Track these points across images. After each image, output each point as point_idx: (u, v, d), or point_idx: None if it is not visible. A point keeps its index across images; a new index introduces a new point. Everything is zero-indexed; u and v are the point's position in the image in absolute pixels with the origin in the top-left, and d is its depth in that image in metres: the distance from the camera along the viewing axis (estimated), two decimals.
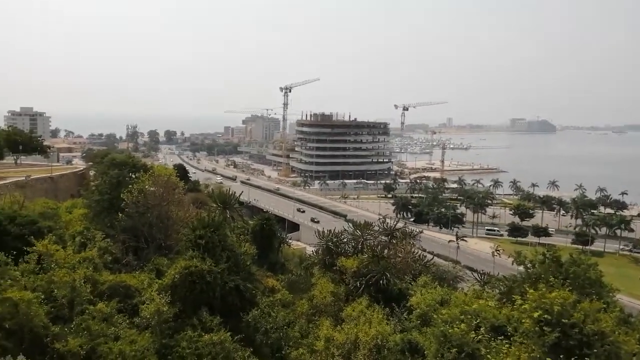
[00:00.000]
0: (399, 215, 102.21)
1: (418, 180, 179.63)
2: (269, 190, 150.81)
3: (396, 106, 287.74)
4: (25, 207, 30.02)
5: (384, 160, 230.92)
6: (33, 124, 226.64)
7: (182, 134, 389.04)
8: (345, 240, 41.98)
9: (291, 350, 26.21)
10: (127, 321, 21.66)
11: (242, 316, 24.32)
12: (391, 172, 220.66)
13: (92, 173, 57.03)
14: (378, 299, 29.82)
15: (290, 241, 55.80)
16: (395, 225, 46.24)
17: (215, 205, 50.40)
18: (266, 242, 41.59)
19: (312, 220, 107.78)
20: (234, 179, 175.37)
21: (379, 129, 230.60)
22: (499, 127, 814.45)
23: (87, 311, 20.85)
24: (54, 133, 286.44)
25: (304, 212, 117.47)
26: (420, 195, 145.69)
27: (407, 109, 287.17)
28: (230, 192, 57.14)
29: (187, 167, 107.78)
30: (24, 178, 42.50)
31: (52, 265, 23.10)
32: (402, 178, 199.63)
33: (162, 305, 21.09)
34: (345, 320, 27.84)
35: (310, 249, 55.82)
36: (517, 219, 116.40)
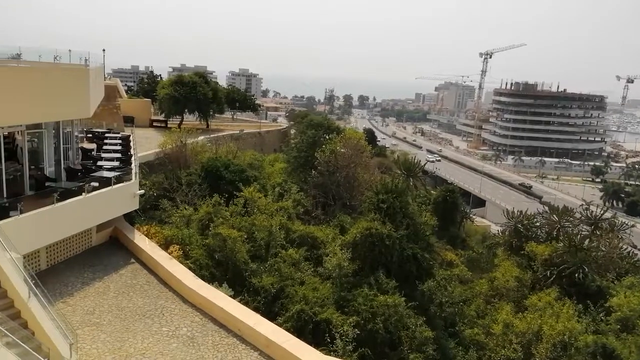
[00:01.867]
0: (607, 204, 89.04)
1: (637, 166, 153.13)
2: (456, 162, 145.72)
3: (619, 77, 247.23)
4: (237, 157, 34.20)
5: (596, 139, 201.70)
6: (248, 84, 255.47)
7: (374, 99, 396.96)
8: (538, 224, 38.50)
9: (465, 327, 25.48)
10: (312, 269, 23.49)
11: (417, 285, 24.29)
12: (603, 154, 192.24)
13: (292, 131, 62.25)
14: (570, 293, 26.86)
15: (474, 217, 53.43)
16: (601, 214, 40.61)
17: (399, 172, 50.74)
18: (448, 214, 40.51)
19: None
20: (420, 147, 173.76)
21: (593, 102, 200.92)
22: None
23: (279, 254, 23.19)
24: (264, 93, 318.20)
25: None
26: (637, 183, 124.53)
27: (632, 81, 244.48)
28: (415, 160, 56.79)
29: (376, 132, 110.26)
30: (238, 132, 48.40)
31: (255, 210, 26.13)
32: (617, 161, 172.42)
33: (343, 260, 22.24)
34: (529, 309, 25.80)
35: (495, 228, 52.66)
36: None
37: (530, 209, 45.58)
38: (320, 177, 34.85)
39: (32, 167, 20.68)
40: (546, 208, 42.70)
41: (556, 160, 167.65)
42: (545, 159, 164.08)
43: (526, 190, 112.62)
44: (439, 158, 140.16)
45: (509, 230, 38.99)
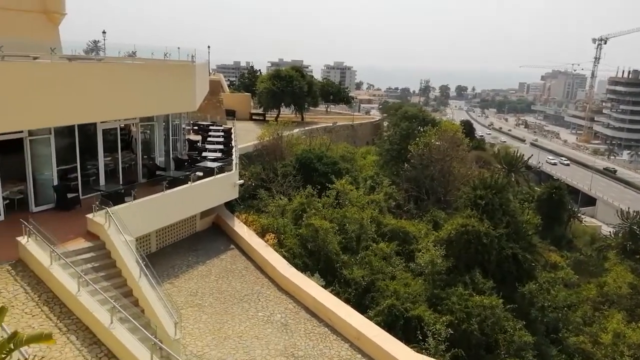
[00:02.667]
0: None
1: None
2: (564, 156, 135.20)
3: None
4: (330, 149, 34.56)
5: None
6: (342, 76, 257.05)
7: (473, 89, 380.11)
8: None
9: (569, 334, 23.65)
10: (403, 264, 23.11)
11: (517, 286, 22.94)
12: None
13: (385, 124, 61.63)
14: None
15: (582, 216, 49.32)
16: None
17: (499, 166, 48.23)
18: (553, 212, 37.83)
19: None
20: (522, 140, 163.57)
21: None
22: None
23: (370, 247, 23.08)
24: (358, 85, 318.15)
25: None
26: None
27: None
28: (518, 154, 53.57)
29: (474, 125, 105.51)
30: (331, 124, 48.93)
31: (346, 202, 26.23)
32: None
33: (437, 257, 21.61)
34: None
35: (607, 229, 48.19)
36: None
37: None
38: (413, 170, 34.16)
39: (145, 156, 22.51)
40: None
41: None
42: None
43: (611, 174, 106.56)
44: (568, 162, 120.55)
45: (623, 232, 35.57)
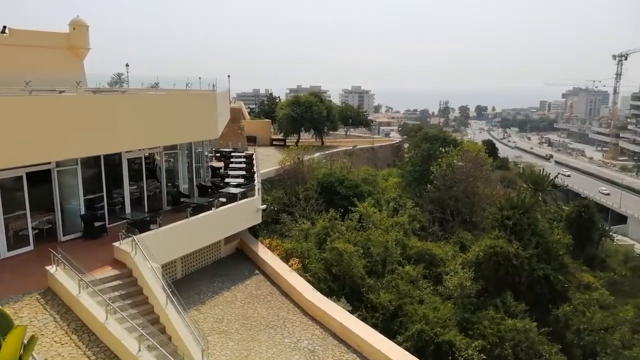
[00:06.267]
0: None
1: None
2: (590, 174, 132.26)
3: None
4: (351, 172, 34.42)
5: None
6: (360, 100, 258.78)
7: (493, 109, 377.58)
8: None
9: (608, 358, 22.56)
10: (431, 288, 22.56)
11: (550, 309, 22.14)
12: None
13: (406, 145, 61.36)
14: None
15: (614, 235, 47.75)
16: None
17: (525, 186, 47.27)
18: (583, 232, 36.67)
19: None
20: (548, 158, 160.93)
21: None
22: None
23: (396, 271, 22.64)
24: (377, 108, 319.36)
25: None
26: None
27: None
28: (544, 173, 52.54)
29: (497, 144, 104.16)
30: (351, 147, 48.92)
31: (370, 225, 25.92)
32: None
33: (466, 280, 21.08)
34: None
35: None
36: None
37: None
38: (436, 191, 33.67)
39: (169, 184, 22.75)
40: None
41: None
42: None
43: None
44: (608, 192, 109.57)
45: None
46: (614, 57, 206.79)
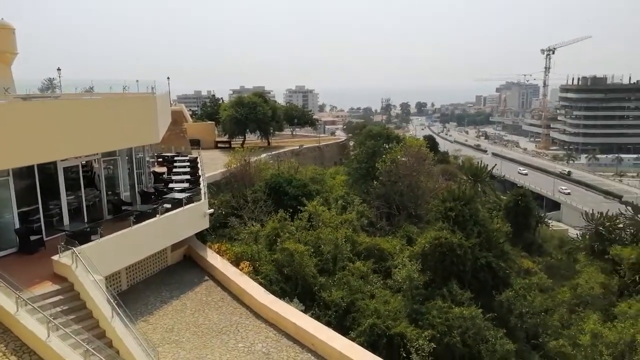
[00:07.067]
0: None
1: None
2: (525, 164, 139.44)
3: None
4: (299, 172, 34.45)
5: None
6: (305, 100, 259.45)
7: (433, 105, 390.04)
8: (621, 225, 35.76)
9: (549, 339, 23.93)
10: (381, 282, 23.01)
11: (494, 295, 23.18)
12: None
13: (351, 143, 62.16)
14: None
15: (549, 221, 50.65)
16: None
17: (465, 178, 49.17)
18: (521, 219, 38.67)
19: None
20: (484, 151, 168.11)
21: None
22: None
23: (347, 267, 22.91)
24: (321, 108, 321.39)
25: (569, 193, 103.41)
26: None
27: None
28: (482, 165, 54.85)
29: (437, 139, 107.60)
30: (298, 147, 49.00)
31: (319, 224, 26.06)
32: None
33: (413, 272, 21.63)
34: (618, 318, 23.84)
35: (573, 232, 49.63)
36: None
37: (611, 210, 42.49)
38: (382, 187, 34.37)
39: (109, 192, 21.85)
40: (629, 208, 39.54)
41: (634, 156, 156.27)
42: (623, 155, 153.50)
43: (566, 177, 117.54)
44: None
45: (590, 233, 36.54)
46: (542, 51, 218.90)
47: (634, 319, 22.89)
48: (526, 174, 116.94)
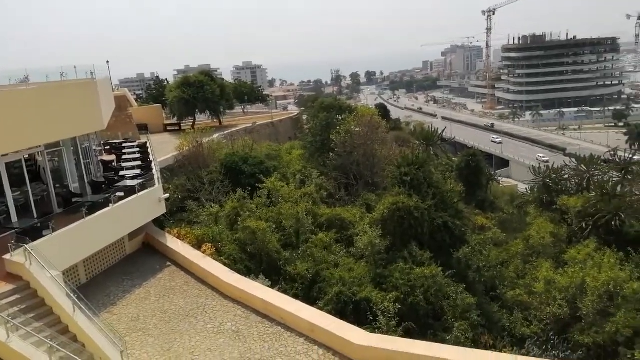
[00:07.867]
0: (633, 148, 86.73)
1: None
2: (473, 125, 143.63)
3: (629, 16, 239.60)
4: (254, 149, 34.13)
5: (613, 82, 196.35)
6: (253, 76, 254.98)
7: (381, 73, 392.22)
8: (566, 176, 37.65)
9: (506, 290, 25.19)
10: (344, 251, 23.41)
11: (452, 253, 24.05)
12: (623, 96, 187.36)
13: (304, 117, 61.94)
14: (609, 242, 26.23)
15: (499, 178, 52.64)
16: (630, 158, 39.59)
17: (418, 143, 50.13)
18: (473, 179, 39.87)
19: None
20: (434, 115, 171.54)
21: (605, 45, 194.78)
22: None
23: (310, 240, 23.16)
24: (271, 83, 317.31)
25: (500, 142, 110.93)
26: None
27: None
28: (432, 129, 56.04)
29: (388, 107, 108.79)
30: (251, 124, 48.36)
31: (279, 200, 26.10)
32: (638, 102, 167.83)
33: (374, 238, 22.09)
34: (569, 264, 25.36)
35: (523, 187, 51.83)
36: None
37: (556, 162, 44.60)
38: (338, 158, 34.58)
39: (57, 185, 20.98)
40: (572, 160, 41.60)
41: (575, 109, 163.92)
42: (564, 109, 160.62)
43: (490, 128, 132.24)
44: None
45: (538, 186, 38.27)
46: (483, 12, 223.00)
47: (583, 264, 24.42)
48: (500, 142, 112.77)
